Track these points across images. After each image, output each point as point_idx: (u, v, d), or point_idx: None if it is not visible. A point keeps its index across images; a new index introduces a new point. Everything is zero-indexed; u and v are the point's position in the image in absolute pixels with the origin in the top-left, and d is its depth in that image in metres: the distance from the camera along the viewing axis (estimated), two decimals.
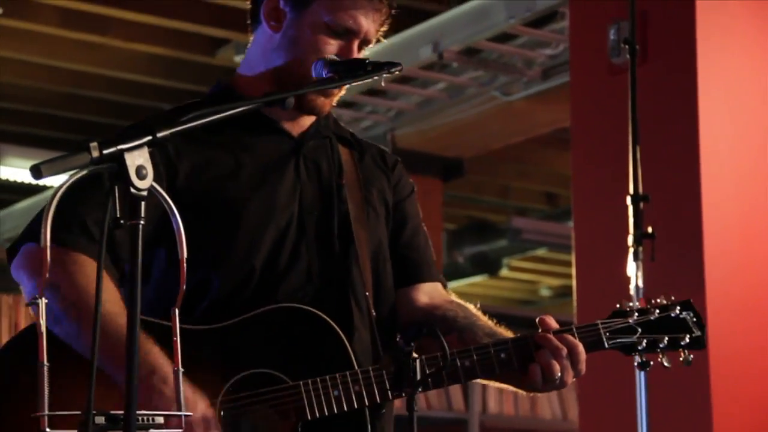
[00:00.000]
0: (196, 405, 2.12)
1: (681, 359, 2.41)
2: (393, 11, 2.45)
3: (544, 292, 13.45)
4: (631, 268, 3.76)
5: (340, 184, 2.43)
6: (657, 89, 4.50)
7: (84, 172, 1.72)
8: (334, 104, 2.46)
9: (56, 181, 1.79)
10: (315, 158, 2.44)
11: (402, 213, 2.54)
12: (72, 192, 2.20)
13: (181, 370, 1.82)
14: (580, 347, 2.31)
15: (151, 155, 1.74)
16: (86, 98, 8.54)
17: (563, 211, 10.20)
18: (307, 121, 2.46)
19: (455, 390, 7.72)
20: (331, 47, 2.36)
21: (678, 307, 2.42)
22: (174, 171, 2.31)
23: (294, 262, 2.34)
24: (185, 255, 1.80)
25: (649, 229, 3.77)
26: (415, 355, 2.10)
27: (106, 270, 2.18)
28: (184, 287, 1.81)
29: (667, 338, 2.39)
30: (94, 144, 1.72)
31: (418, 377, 2.04)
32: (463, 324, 2.45)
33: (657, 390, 3.86)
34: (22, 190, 9.59)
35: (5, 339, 5.94)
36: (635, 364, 2.40)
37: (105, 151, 1.72)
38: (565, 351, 2.29)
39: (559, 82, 7.11)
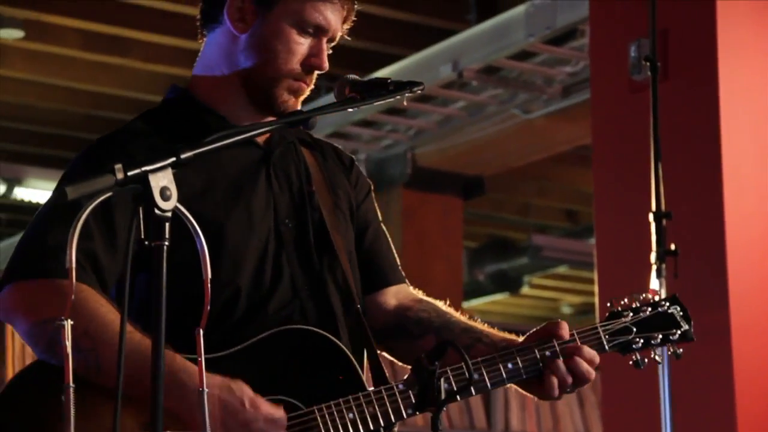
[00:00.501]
0: (242, 393, 2.11)
1: (670, 353, 2.45)
2: (354, 8, 2.39)
3: (565, 310, 13.42)
4: (654, 285, 3.74)
5: (311, 191, 2.40)
6: (678, 106, 4.49)
7: (109, 194, 1.72)
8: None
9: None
10: (284, 166, 2.39)
11: (363, 216, 2.51)
12: (40, 220, 2.21)
13: (206, 390, 1.82)
14: (597, 357, 2.33)
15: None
16: (107, 119, 8.58)
17: (584, 229, 10.19)
18: (261, 120, 2.38)
19: (477, 407, 7.70)
20: (302, 46, 2.31)
21: (667, 303, 2.45)
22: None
23: (278, 278, 2.30)
24: (209, 275, 1.80)
25: (672, 246, 3.75)
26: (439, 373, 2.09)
27: (97, 295, 2.14)
28: (209, 308, 1.81)
29: (660, 335, 2.42)
30: (118, 166, 1.72)
31: (443, 396, 2.04)
32: (438, 323, 2.44)
33: (682, 408, 3.84)
34: None
35: (28, 362, 5.96)
36: (630, 362, 2.42)
37: (129, 173, 1.72)
38: (590, 370, 2.31)
39: (579, 100, 7.11)
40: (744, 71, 4.53)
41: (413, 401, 2.21)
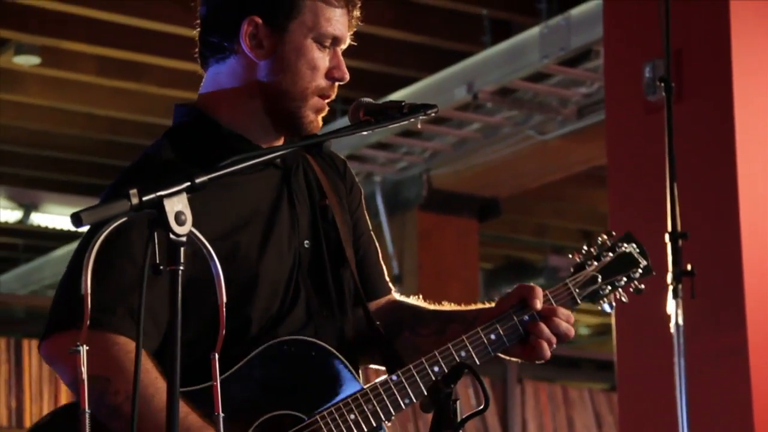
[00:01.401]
0: None
1: (632, 290, 2.50)
2: (358, 10, 2.38)
3: (583, 331, 13.37)
4: (671, 306, 3.73)
5: (325, 206, 2.39)
6: (693, 127, 4.48)
7: (124, 219, 1.73)
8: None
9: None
10: (301, 183, 2.39)
11: (357, 223, 2.50)
12: (107, 266, 2.16)
13: (221, 415, 1.82)
14: (572, 316, 2.39)
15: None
16: (124, 144, 8.62)
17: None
18: (280, 141, 2.37)
19: (492, 418, 7.67)
20: (324, 61, 2.29)
21: (623, 243, 2.51)
22: None
23: (293, 303, 2.30)
24: (224, 299, 1.80)
25: (689, 267, 3.74)
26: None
27: (147, 358, 2.12)
28: (224, 332, 1.81)
29: (624, 277, 2.48)
30: (133, 191, 1.72)
31: (459, 419, 2.03)
32: (409, 318, 2.47)
33: (700, 429, 3.83)
34: (62, 237, 9.66)
35: (46, 385, 5.97)
36: (600, 309, 2.48)
37: (144, 198, 1.73)
38: (569, 327, 2.38)
39: (594, 121, 7.11)
40: (759, 91, 4.52)
41: (408, 390, 2.25)
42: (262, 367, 2.22)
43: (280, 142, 2.37)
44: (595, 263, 2.47)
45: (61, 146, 8.74)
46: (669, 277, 3.76)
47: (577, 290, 2.44)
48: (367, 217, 2.55)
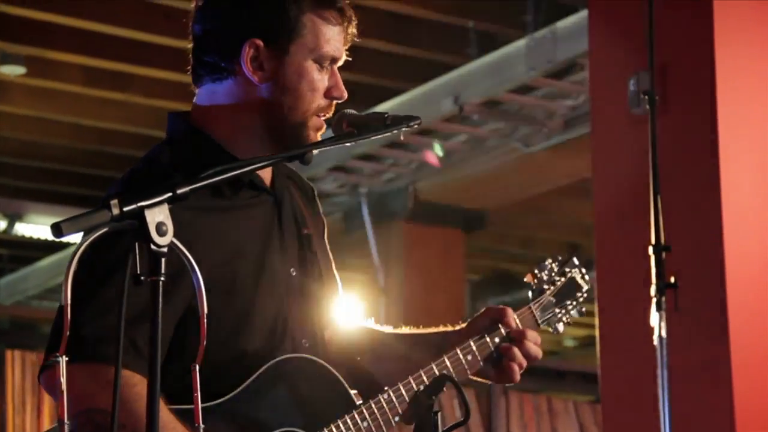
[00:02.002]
0: None
1: (577, 312, 2.57)
2: (353, 26, 2.39)
3: (569, 343, 13.39)
4: (655, 318, 3.75)
5: (309, 235, 2.40)
6: (678, 139, 4.50)
7: (105, 230, 1.73)
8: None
9: (79, 238, 1.80)
10: (288, 211, 2.39)
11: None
12: (107, 297, 2.13)
13: (202, 426, 1.82)
14: (539, 338, 2.44)
15: None
16: (111, 155, 8.61)
17: (587, 261, 10.16)
18: (269, 168, 2.36)
19: (477, 430, 7.67)
20: (323, 81, 2.31)
21: (571, 267, 2.57)
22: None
23: (284, 331, 2.31)
24: (206, 311, 1.81)
25: (672, 279, 3.76)
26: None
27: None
28: (205, 343, 1.81)
29: (572, 301, 2.54)
30: (114, 201, 1.72)
31: (439, 430, 2.04)
32: (373, 346, 2.49)
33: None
34: (47, 248, 9.64)
35: (29, 396, 5.95)
36: (552, 331, 2.55)
37: (125, 209, 1.73)
38: (538, 349, 2.42)
39: (580, 133, 7.13)
40: (743, 104, 4.54)
41: (397, 407, 2.27)
42: (266, 386, 2.23)
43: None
44: (551, 287, 2.53)
45: (47, 156, 8.73)
46: (652, 290, 3.77)
47: (539, 313, 2.50)
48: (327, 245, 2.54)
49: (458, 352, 2.37)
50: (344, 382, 2.30)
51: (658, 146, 3.93)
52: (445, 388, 2.21)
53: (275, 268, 2.31)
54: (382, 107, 7.12)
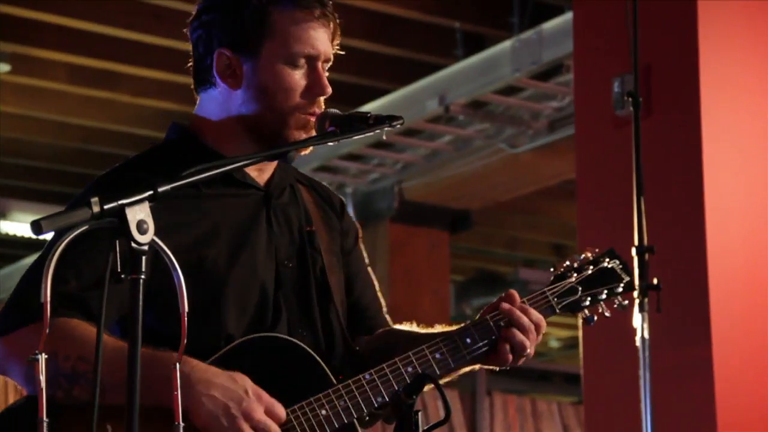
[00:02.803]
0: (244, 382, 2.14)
1: (616, 306, 2.52)
2: (338, 21, 2.41)
3: (553, 344, 13.40)
4: (637, 320, 3.75)
5: (311, 231, 2.43)
6: (661, 141, 4.51)
7: (85, 227, 1.73)
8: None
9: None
10: (284, 208, 2.43)
11: (355, 260, 2.55)
12: (30, 271, 2.19)
13: (182, 424, 1.82)
14: (543, 320, 2.40)
15: None
16: (96, 153, 8.59)
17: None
18: (270, 168, 2.43)
19: (461, 430, 7.68)
20: (299, 80, 2.33)
21: (606, 258, 2.52)
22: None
23: (276, 321, 2.33)
24: (186, 309, 1.81)
25: (655, 281, 3.77)
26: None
27: (87, 324, 2.16)
28: (185, 341, 1.82)
29: (605, 290, 2.49)
30: (95, 199, 1.73)
31: (420, 430, 2.04)
32: (405, 341, 2.46)
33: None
34: (31, 246, 9.62)
35: (12, 395, 5.94)
36: (581, 320, 2.50)
37: (106, 206, 1.73)
38: (533, 327, 2.37)
39: (565, 135, 7.14)
40: (726, 106, 4.55)
41: (382, 391, 2.25)
42: (236, 361, 2.24)
43: (265, 167, 2.41)
44: (575, 275, 2.49)
45: (31, 154, 8.70)
46: (635, 291, 3.78)
47: (555, 299, 2.45)
48: (365, 256, 2.59)
49: (454, 335, 2.36)
50: (324, 365, 2.29)
51: (642, 148, 3.94)
52: (427, 388, 2.21)
53: (257, 256, 2.33)
54: (367, 107, 7.12)
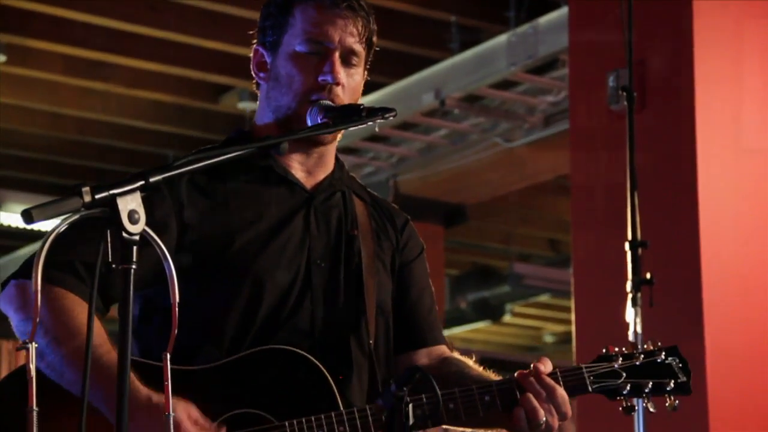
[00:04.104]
0: (177, 405, 2.13)
1: (667, 405, 2.39)
2: (370, 15, 2.43)
3: (548, 339, 13.42)
4: (630, 314, 3.75)
5: (353, 235, 2.44)
6: (655, 136, 4.51)
7: (76, 217, 1.73)
8: (338, 137, 2.46)
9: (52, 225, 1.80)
10: (325, 211, 2.44)
11: (410, 274, 2.54)
12: (66, 233, 2.21)
13: (172, 414, 1.82)
14: (560, 390, 2.28)
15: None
16: (90, 144, 8.58)
17: (566, 258, 10.20)
18: (322, 173, 2.46)
19: None
20: (310, 65, 2.35)
21: (663, 353, 2.39)
22: (181, 209, 2.31)
23: (294, 315, 2.34)
24: (177, 299, 1.80)
25: (648, 276, 3.76)
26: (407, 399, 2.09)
27: (82, 305, 2.21)
28: (176, 332, 1.81)
29: (651, 383, 2.36)
30: (86, 189, 1.72)
31: (411, 422, 2.03)
32: (453, 373, 2.44)
33: (655, 429, 3.84)
34: (26, 236, 9.61)
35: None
36: (621, 408, 2.37)
37: (97, 196, 1.73)
38: (544, 394, 2.27)
39: (560, 129, 7.14)
40: (721, 101, 4.56)
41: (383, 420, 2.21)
42: (248, 368, 2.26)
43: (316, 171, 2.45)
44: (622, 360, 2.36)
45: (26, 145, 8.69)
46: (628, 286, 3.78)
47: (591, 377, 2.34)
48: (427, 270, 2.59)
49: (474, 389, 2.30)
50: (334, 386, 2.28)
51: (636, 142, 3.93)
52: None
53: (287, 250, 2.36)
54: (362, 100, 7.11)
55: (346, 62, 2.39)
